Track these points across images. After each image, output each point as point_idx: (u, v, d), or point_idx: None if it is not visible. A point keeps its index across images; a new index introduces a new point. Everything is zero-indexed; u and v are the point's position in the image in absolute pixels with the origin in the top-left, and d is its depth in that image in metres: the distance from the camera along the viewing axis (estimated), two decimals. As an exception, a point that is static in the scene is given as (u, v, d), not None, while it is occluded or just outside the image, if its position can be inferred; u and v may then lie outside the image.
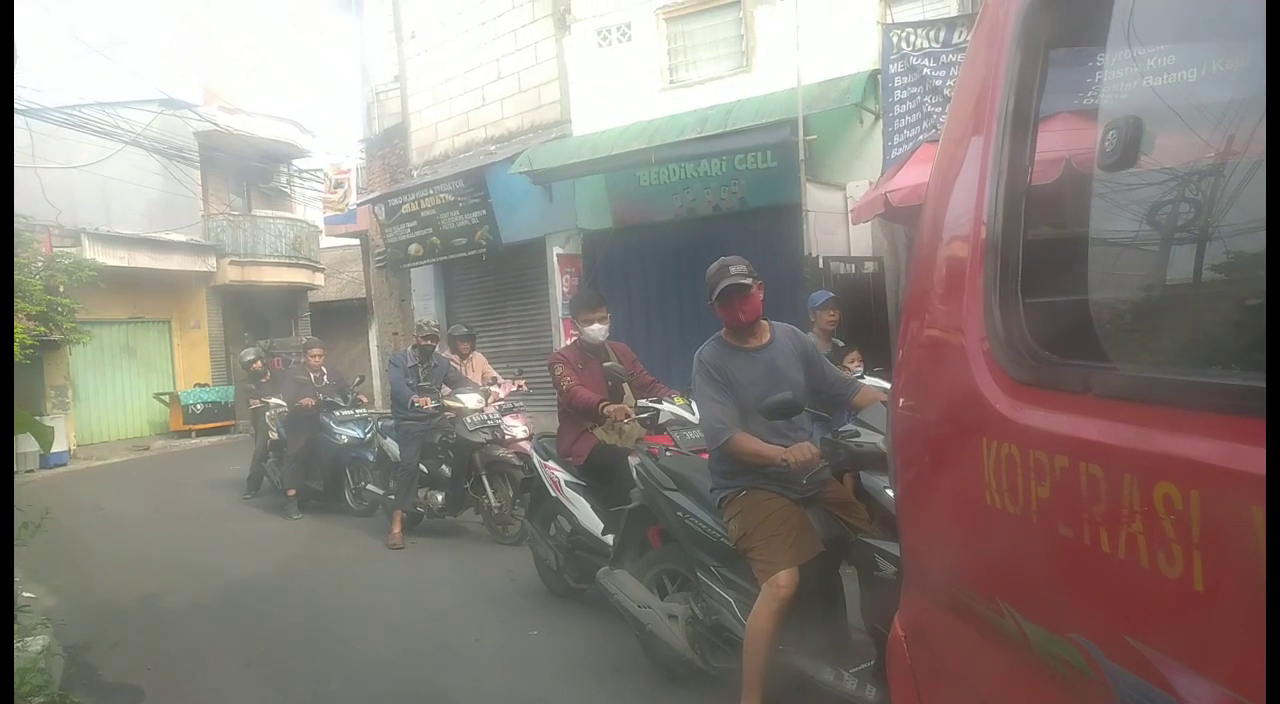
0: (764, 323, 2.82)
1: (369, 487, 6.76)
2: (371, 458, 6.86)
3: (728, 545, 2.75)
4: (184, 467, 11.65)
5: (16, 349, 9.08)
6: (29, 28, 14.86)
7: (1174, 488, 0.79)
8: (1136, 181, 1.00)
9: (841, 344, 5.03)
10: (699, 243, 8.34)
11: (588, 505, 4.01)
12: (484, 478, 5.64)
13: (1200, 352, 0.94)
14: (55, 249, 12.22)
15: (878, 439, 2.26)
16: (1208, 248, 0.93)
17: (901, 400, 1.46)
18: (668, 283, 9.05)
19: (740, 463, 2.65)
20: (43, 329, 11.10)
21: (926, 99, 6.64)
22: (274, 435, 7.77)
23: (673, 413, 3.85)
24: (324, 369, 7.48)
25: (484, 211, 10.08)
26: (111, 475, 11.46)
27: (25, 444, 10.56)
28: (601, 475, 4.01)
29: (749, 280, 2.67)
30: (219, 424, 14.91)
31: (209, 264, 15.71)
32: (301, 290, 18.51)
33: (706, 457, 3.02)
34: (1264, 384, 0.68)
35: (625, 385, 4.17)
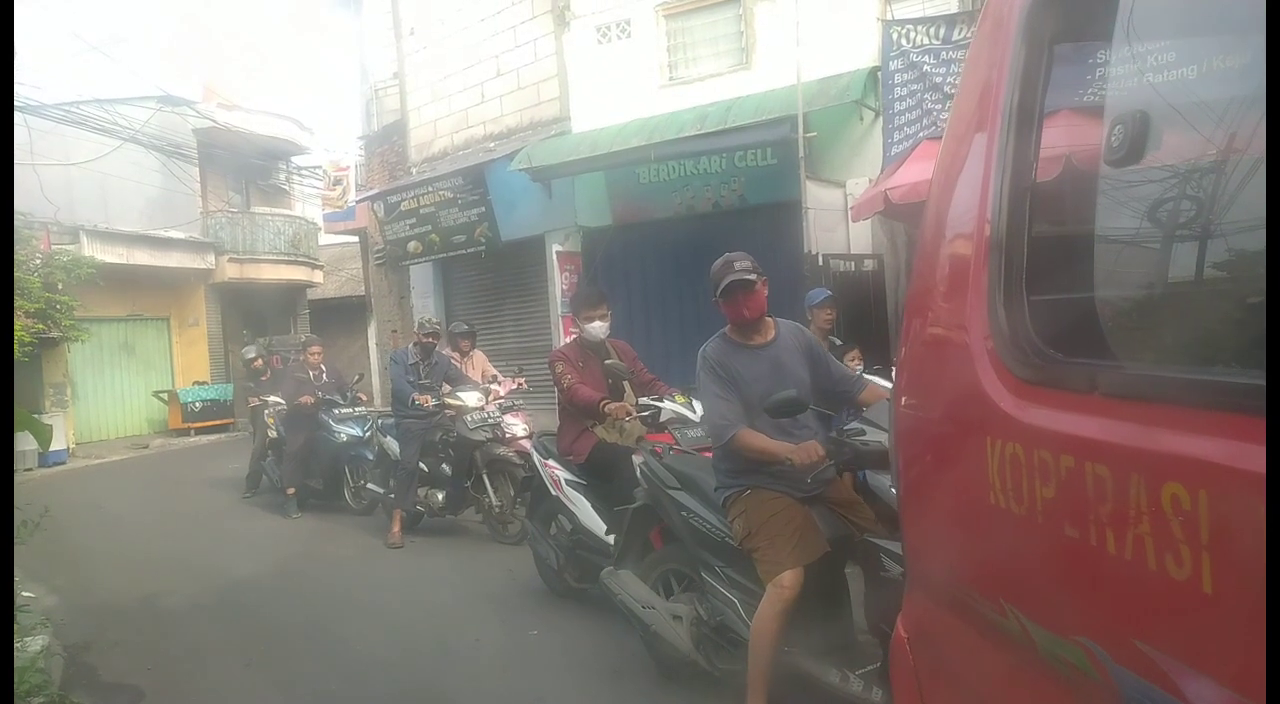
0: (769, 319, 2.80)
1: (369, 485, 6.75)
2: (371, 456, 6.84)
3: (732, 545, 2.73)
4: (183, 465, 11.63)
5: (15, 347, 9.07)
6: (28, 25, 14.81)
7: (1182, 488, 0.78)
8: (1143, 177, 0.99)
9: (839, 343, 5.02)
10: (699, 240, 8.34)
11: (588, 504, 4.00)
12: (485, 476, 5.63)
13: (1208, 349, 0.93)
14: (54, 246, 12.20)
15: (883, 438, 2.25)
16: (1215, 244, 0.92)
17: (904, 399, 1.45)
18: (667, 280, 9.04)
19: (745, 461, 2.63)
20: (41, 327, 11.08)
21: (926, 96, 6.62)
22: (273, 434, 7.75)
23: (674, 411, 3.84)
24: (323, 367, 7.47)
25: (483, 209, 10.06)
26: (110, 474, 11.45)
27: (24, 442, 10.54)
28: (602, 474, 3.99)
29: (754, 276, 2.65)
30: (218, 422, 14.90)
31: (208, 261, 15.68)
32: (300, 288, 18.49)
33: (709, 455, 3.00)
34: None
35: (626, 383, 4.15)
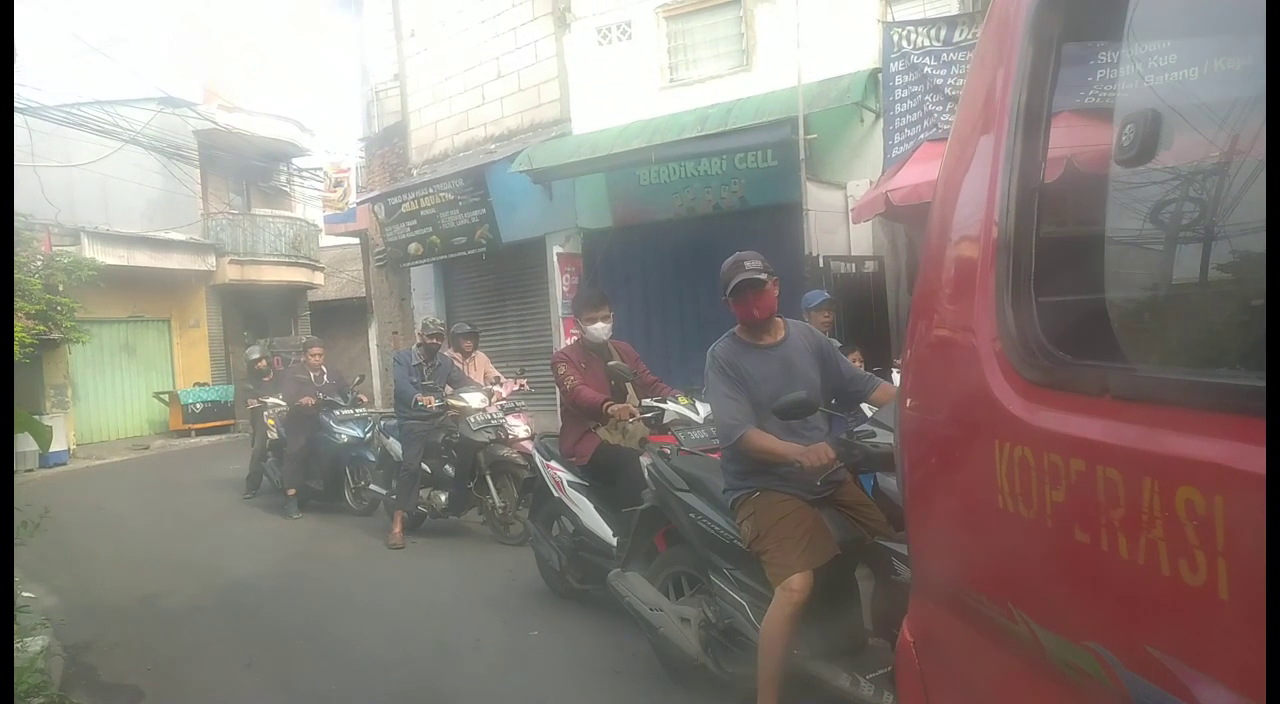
0: (778, 320, 2.77)
1: (372, 486, 6.74)
2: (372, 458, 6.84)
3: (741, 547, 2.70)
4: (183, 466, 11.63)
5: (16, 348, 9.06)
6: (28, 26, 14.81)
7: (1197, 493, 0.77)
8: (1154, 177, 0.98)
9: (838, 345, 5.01)
10: (699, 242, 8.33)
11: (591, 506, 3.98)
12: (488, 478, 5.61)
13: (1223, 351, 0.92)
14: (55, 248, 12.20)
15: (893, 439, 2.23)
16: (1229, 244, 0.91)
17: (909, 400, 1.44)
18: (668, 282, 9.03)
19: (753, 462, 2.61)
20: (42, 328, 11.07)
21: (927, 98, 6.62)
22: (273, 435, 7.75)
23: (677, 412, 3.83)
24: (324, 368, 7.47)
25: (484, 210, 10.06)
26: (111, 475, 11.44)
27: (25, 443, 10.53)
28: (605, 475, 3.98)
29: (764, 276, 2.62)
30: (218, 423, 14.89)
31: (208, 263, 15.68)
32: (301, 289, 18.49)
33: (717, 456, 2.99)
34: None
35: (629, 385, 4.15)
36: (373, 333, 14.15)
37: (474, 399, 5.70)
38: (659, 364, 6.04)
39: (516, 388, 6.34)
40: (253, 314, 17.32)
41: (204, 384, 15.42)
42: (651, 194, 9.00)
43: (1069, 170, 1.34)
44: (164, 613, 4.67)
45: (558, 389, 4.27)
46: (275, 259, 16.69)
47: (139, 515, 7.95)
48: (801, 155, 6.96)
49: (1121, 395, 0.90)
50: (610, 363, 4.12)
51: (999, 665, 1.18)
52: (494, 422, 5.64)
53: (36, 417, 7.56)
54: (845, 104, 7.28)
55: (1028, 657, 1.07)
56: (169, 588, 5.12)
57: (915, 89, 6.68)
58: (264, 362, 8.65)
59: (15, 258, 9.82)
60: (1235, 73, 0.99)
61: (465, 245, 10.41)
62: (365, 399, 7.99)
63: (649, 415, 3.89)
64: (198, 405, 14.70)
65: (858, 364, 4.76)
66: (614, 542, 3.80)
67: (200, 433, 14.56)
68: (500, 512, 5.62)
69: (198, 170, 15.74)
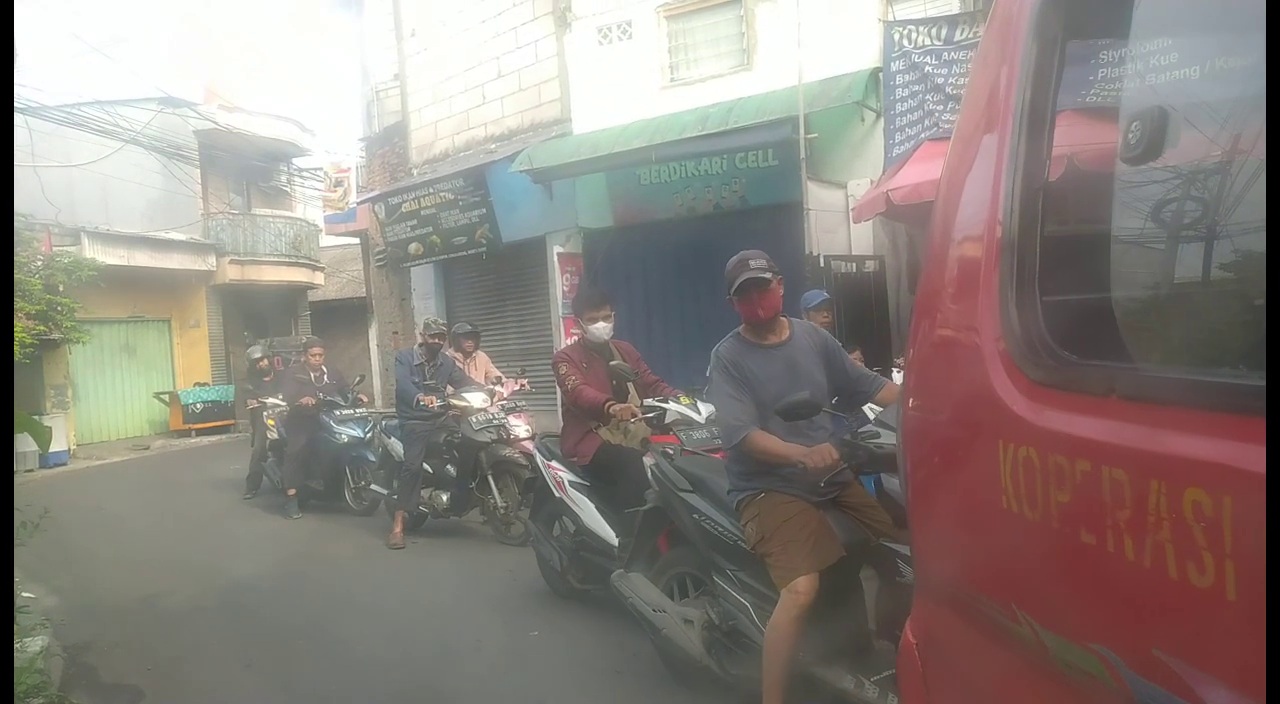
0: (783, 319, 2.75)
1: (373, 486, 6.75)
2: (373, 458, 6.84)
3: (745, 549, 2.69)
4: (184, 466, 11.62)
5: (16, 348, 9.06)
6: (29, 26, 14.81)
7: (1205, 494, 0.76)
8: (1161, 175, 0.97)
9: (839, 344, 4.99)
10: (700, 241, 8.33)
11: (592, 506, 3.98)
12: (489, 478, 5.60)
13: (1232, 351, 0.91)
14: (55, 248, 12.19)
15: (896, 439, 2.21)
16: (1237, 242, 0.91)
17: (912, 400, 1.44)
18: (668, 282, 9.02)
19: (758, 463, 2.59)
20: (42, 328, 11.07)
21: (928, 97, 6.61)
22: (273, 435, 7.75)
23: (679, 412, 3.82)
24: (324, 368, 7.46)
25: (484, 210, 10.05)
26: (111, 475, 11.43)
27: (25, 443, 10.53)
28: (607, 476, 3.98)
29: (769, 275, 2.60)
30: (219, 423, 14.89)
31: (209, 263, 15.68)
32: (301, 289, 18.49)
33: (720, 456, 2.97)
34: None
35: (630, 385, 4.14)
36: (373, 333, 14.14)
37: (476, 399, 5.69)
38: (659, 364, 6.03)
39: (517, 388, 6.33)
40: (253, 314, 17.32)
41: (204, 384, 15.42)
42: (652, 194, 8.99)
43: (1074, 168, 1.33)
44: (164, 613, 4.67)
45: (559, 389, 4.26)
46: (275, 259, 16.69)
47: (139, 515, 7.95)
48: (802, 155, 6.95)
49: (1128, 395, 0.89)
50: (612, 363, 4.11)
51: (1001, 666, 1.17)
52: (496, 421, 5.63)
53: (37, 417, 7.56)
54: (846, 103, 7.27)
55: (1031, 658, 1.06)
56: (169, 588, 5.11)
57: (916, 88, 6.67)
58: (265, 361, 8.65)
59: (15, 258, 9.82)
60: (1242, 70, 0.98)
61: (465, 245, 10.41)
62: (365, 399, 7.99)
63: (651, 415, 3.89)
64: (198, 405, 14.70)
65: (858, 363, 4.77)
66: (615, 542, 3.80)
67: (200, 433, 14.56)
68: (502, 512, 5.61)
69: (198, 170, 15.74)
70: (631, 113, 8.62)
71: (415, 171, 11.53)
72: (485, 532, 5.87)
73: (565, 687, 3.32)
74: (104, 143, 13.13)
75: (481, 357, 6.76)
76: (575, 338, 4.59)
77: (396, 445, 6.23)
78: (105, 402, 14.86)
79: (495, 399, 5.86)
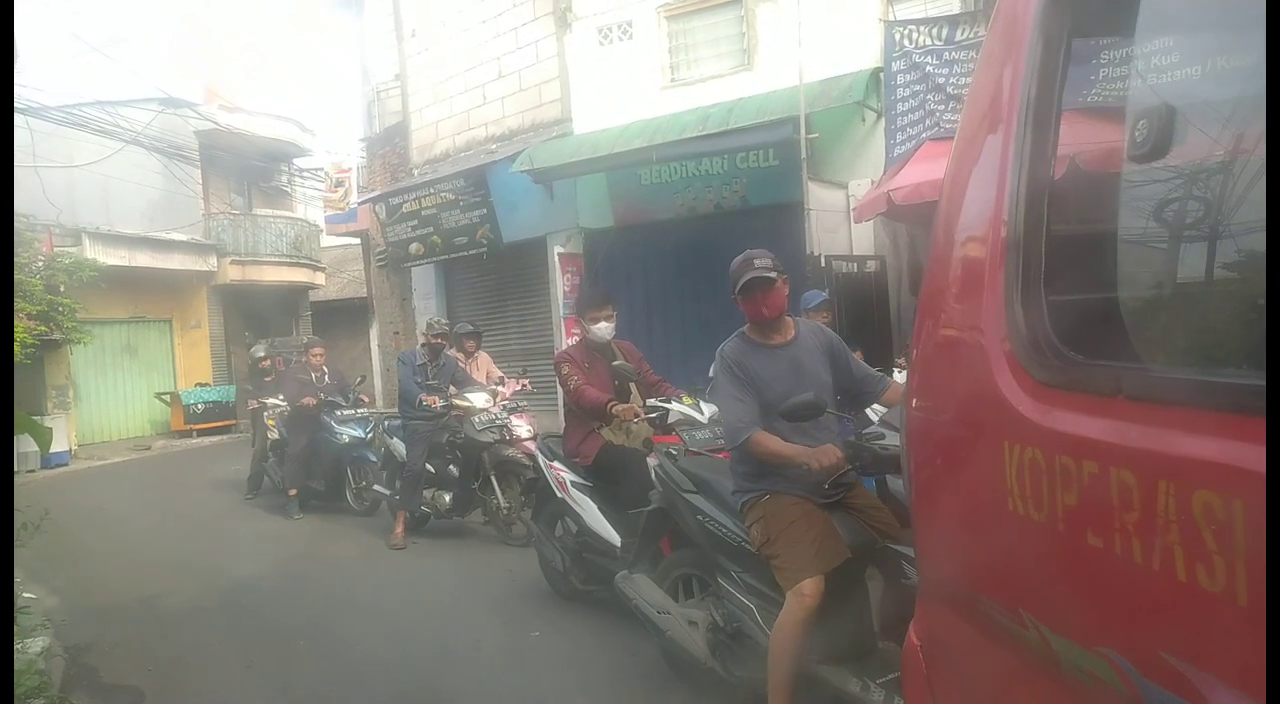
0: (788, 319, 2.73)
1: (376, 487, 6.74)
2: (373, 458, 6.83)
3: (749, 550, 2.67)
4: (185, 466, 11.63)
5: (17, 349, 9.07)
6: (29, 26, 14.82)
7: (1215, 496, 0.75)
8: (1169, 173, 0.96)
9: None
10: (700, 242, 8.32)
11: (595, 506, 3.96)
12: (493, 478, 5.59)
13: (1243, 351, 0.91)
14: (56, 249, 12.18)
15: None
16: (1247, 240, 0.90)
17: (915, 400, 1.43)
18: (669, 282, 9.02)
19: (762, 464, 2.58)
20: (44, 329, 11.07)
21: (929, 97, 6.60)
22: (273, 435, 7.75)
23: (682, 413, 3.81)
24: (325, 368, 7.46)
25: (485, 210, 10.05)
26: (112, 475, 11.43)
27: (26, 444, 10.54)
28: (609, 476, 3.96)
29: (774, 274, 2.59)
30: (220, 424, 14.89)
31: (210, 263, 15.68)
32: (302, 289, 18.49)
33: (724, 456, 2.96)
34: None
35: (633, 385, 4.13)
36: (374, 333, 14.14)
37: (479, 399, 5.68)
38: (660, 364, 6.02)
39: (519, 388, 6.32)
40: (254, 314, 17.31)
41: (205, 384, 15.42)
42: (653, 194, 8.99)
43: (1080, 167, 1.32)
44: (165, 614, 4.66)
45: (561, 389, 4.25)
46: (276, 259, 16.69)
47: (140, 516, 7.95)
48: (803, 155, 6.94)
49: (1136, 396, 0.88)
50: (615, 363, 4.10)
51: (1007, 670, 1.16)
52: (499, 422, 5.62)
53: (38, 417, 7.56)
54: (847, 103, 7.26)
55: (1038, 662, 1.05)
56: (170, 589, 5.11)
57: (917, 88, 6.66)
58: (268, 360, 8.65)
59: (16, 258, 9.83)
60: (1251, 67, 0.97)
61: (466, 245, 10.40)
62: (366, 399, 7.98)
63: (654, 415, 3.88)
64: (199, 406, 14.70)
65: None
66: (618, 543, 3.79)
67: (202, 433, 14.56)
68: (505, 512, 5.60)
69: (199, 171, 15.74)
70: (632, 113, 8.61)
71: (416, 172, 11.53)
72: (486, 532, 5.86)
73: (567, 688, 3.31)
74: (105, 143, 13.14)
75: (483, 357, 6.75)
76: (576, 338, 4.57)
77: (399, 446, 6.22)
78: (106, 402, 14.86)
79: (498, 399, 5.85)
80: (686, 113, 8.13)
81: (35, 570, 5.35)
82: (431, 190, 10.56)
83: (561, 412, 7.56)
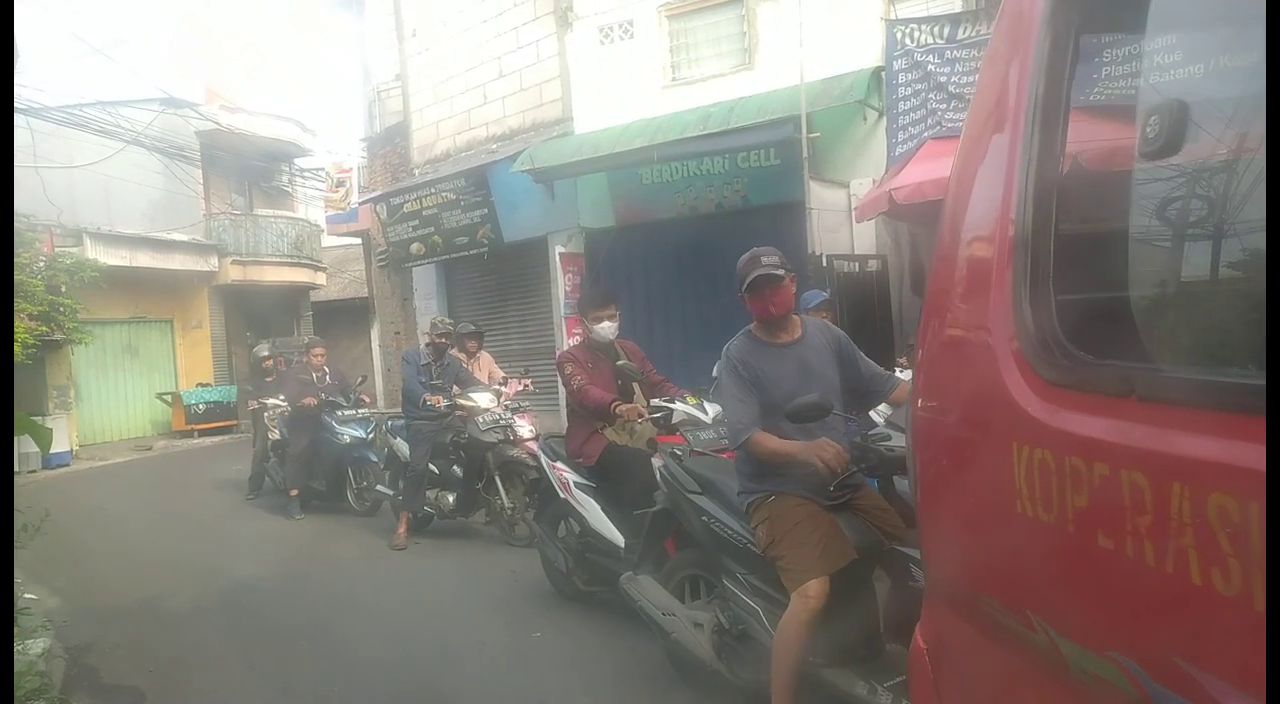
0: (795, 318, 2.72)
1: (379, 487, 6.73)
2: (375, 458, 6.82)
3: (755, 552, 2.65)
4: (186, 467, 11.62)
5: (18, 349, 9.07)
6: (29, 26, 14.83)
7: (1231, 499, 0.74)
8: (1181, 170, 0.95)
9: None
10: (702, 241, 8.31)
11: (598, 507, 3.94)
12: (496, 478, 5.58)
13: (1256, 351, 0.89)
14: (57, 249, 12.19)
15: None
16: (1260, 239, 0.88)
17: (921, 401, 1.41)
18: (670, 281, 9.00)
19: (767, 465, 2.56)
20: (45, 329, 11.07)
21: (931, 96, 6.58)
22: (274, 435, 7.74)
23: (685, 412, 3.79)
24: (326, 369, 7.45)
25: (486, 210, 10.04)
26: (114, 476, 11.43)
27: (27, 444, 10.53)
28: (613, 476, 3.94)
29: (781, 272, 2.57)
30: (221, 424, 14.88)
31: (211, 263, 15.68)
32: (303, 289, 18.48)
33: (729, 456, 2.94)
34: None
35: (636, 385, 4.11)
36: (375, 333, 14.14)
37: (483, 399, 5.66)
38: (661, 364, 5.99)
39: (521, 388, 6.31)
40: (255, 314, 17.31)
41: (206, 385, 15.42)
42: (654, 193, 8.97)
43: (1089, 165, 1.31)
44: (166, 614, 4.65)
45: (563, 389, 4.23)
46: (277, 259, 16.68)
47: (141, 516, 7.94)
48: (804, 154, 6.93)
49: (1148, 397, 0.87)
50: (618, 362, 4.08)
51: (1014, 672, 1.15)
52: (502, 422, 5.61)
53: (39, 418, 7.55)
54: (848, 102, 7.24)
55: (1045, 664, 1.04)
56: (171, 589, 5.10)
57: (919, 87, 6.65)
58: (272, 360, 8.65)
59: (17, 259, 9.82)
60: (1263, 63, 0.96)
61: (467, 245, 10.40)
62: (368, 399, 7.97)
63: (658, 415, 3.86)
64: (200, 406, 14.70)
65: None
66: (621, 543, 3.77)
67: (203, 434, 14.56)
68: (509, 512, 5.58)
69: (199, 171, 15.73)
70: (633, 112, 8.60)
71: (417, 171, 11.52)
72: (488, 533, 5.85)
73: (570, 688, 3.30)
74: (106, 143, 13.13)
75: (485, 357, 6.74)
76: (578, 338, 4.56)
77: (402, 446, 6.21)
78: (108, 402, 14.86)
79: (501, 399, 5.84)
80: (687, 112, 8.12)
81: (36, 571, 5.35)
82: (432, 190, 10.55)
83: (563, 412, 7.56)
